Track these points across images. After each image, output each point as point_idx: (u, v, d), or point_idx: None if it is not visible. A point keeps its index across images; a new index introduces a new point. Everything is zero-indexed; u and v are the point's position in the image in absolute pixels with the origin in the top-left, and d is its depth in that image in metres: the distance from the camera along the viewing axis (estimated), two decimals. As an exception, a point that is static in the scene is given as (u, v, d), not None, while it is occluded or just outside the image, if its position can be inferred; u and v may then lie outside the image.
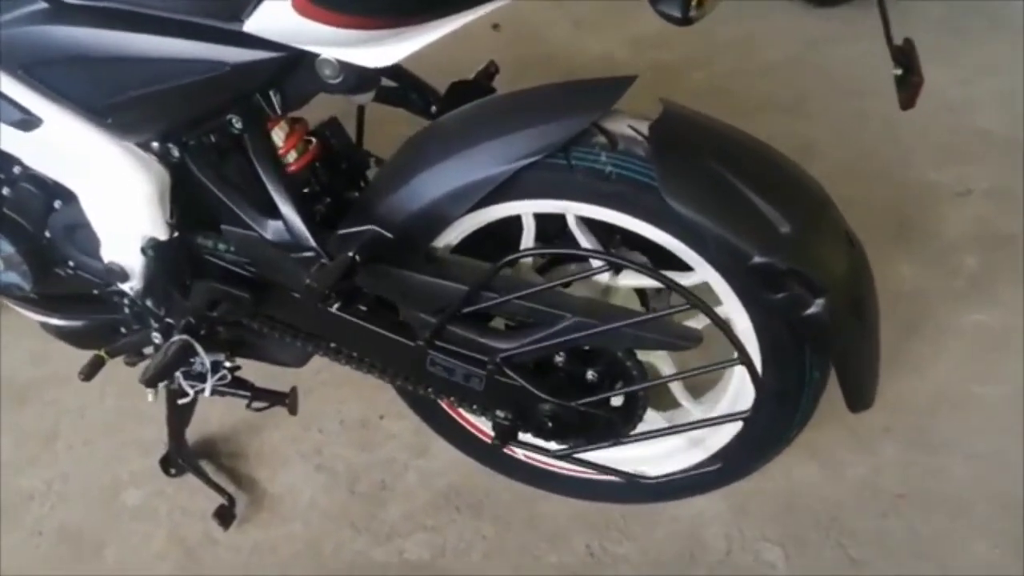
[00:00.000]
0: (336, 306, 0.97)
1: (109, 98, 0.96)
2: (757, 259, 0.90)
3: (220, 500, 1.34)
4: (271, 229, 1.01)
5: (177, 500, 1.40)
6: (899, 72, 0.83)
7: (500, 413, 1.10)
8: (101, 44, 0.92)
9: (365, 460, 1.45)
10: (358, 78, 0.92)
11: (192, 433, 1.42)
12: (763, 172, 0.94)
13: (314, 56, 0.90)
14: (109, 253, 1.12)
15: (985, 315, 1.68)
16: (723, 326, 0.93)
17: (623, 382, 1.06)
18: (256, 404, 1.22)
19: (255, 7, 0.85)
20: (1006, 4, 2.48)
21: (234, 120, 0.98)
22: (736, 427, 1.10)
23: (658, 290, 1.18)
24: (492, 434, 1.12)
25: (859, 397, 1.02)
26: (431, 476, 1.43)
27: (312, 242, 0.99)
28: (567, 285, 1.00)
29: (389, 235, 0.98)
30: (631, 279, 1.07)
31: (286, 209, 0.99)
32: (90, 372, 1.16)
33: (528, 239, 1.06)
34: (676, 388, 1.15)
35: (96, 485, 1.43)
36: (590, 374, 1.07)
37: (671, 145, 0.92)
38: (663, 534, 1.34)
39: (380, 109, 1.23)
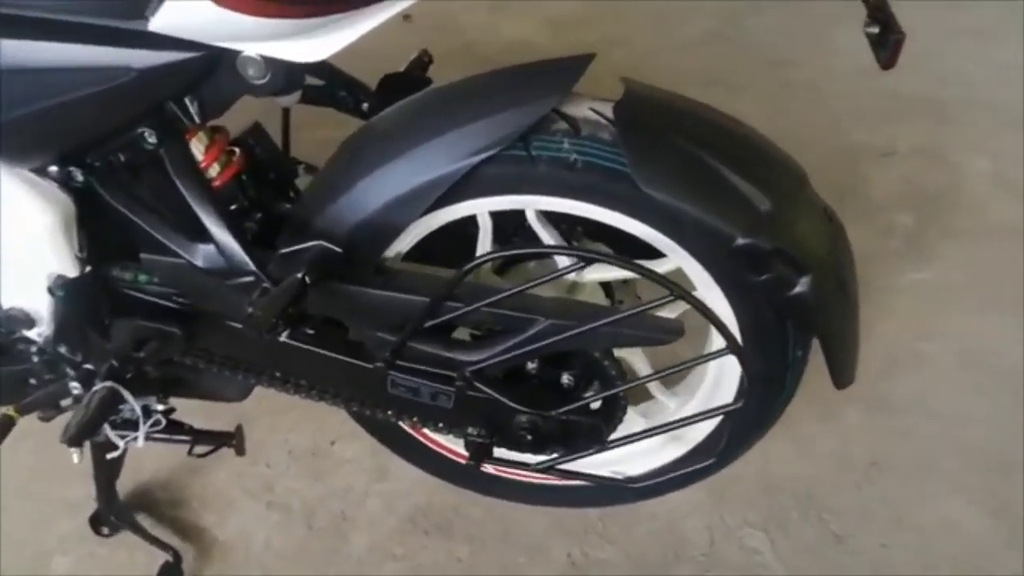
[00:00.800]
0: (284, 335, 0.86)
1: (-9, 120, 0.82)
2: (740, 241, 0.85)
3: (164, 556, 1.20)
4: (201, 254, 0.90)
5: (113, 562, 1.26)
6: (875, 30, 0.78)
7: (472, 430, 1.01)
8: (-24, 57, 0.79)
9: (320, 491, 1.34)
10: (286, 76, 0.82)
11: (124, 484, 1.28)
12: (736, 149, 0.89)
13: (235, 54, 0.79)
14: (9, 298, 0.98)
15: (923, 272, 1.71)
16: (710, 315, 0.87)
17: (601, 383, 0.99)
18: (198, 449, 1.10)
19: (161, 2, 0.73)
20: (912, -33, 2.54)
21: (147, 134, 0.85)
22: (715, 421, 1.05)
23: (624, 282, 1.12)
24: (464, 453, 1.04)
25: (844, 373, 0.98)
26: (394, 500, 1.33)
27: (251, 265, 0.88)
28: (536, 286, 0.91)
29: (339, 250, 0.88)
30: (598, 272, 1.00)
31: (217, 230, 0.88)
32: None
33: (485, 240, 0.98)
34: (653, 384, 1.10)
35: (19, 557, 1.27)
36: (566, 378, 1.00)
37: (639, 127, 0.86)
38: (643, 533, 1.29)
39: (304, 110, 1.13)
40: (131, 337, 0.98)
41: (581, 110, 0.89)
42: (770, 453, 1.37)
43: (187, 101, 0.85)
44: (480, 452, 1.01)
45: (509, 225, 1.00)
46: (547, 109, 0.85)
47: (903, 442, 1.40)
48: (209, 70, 0.80)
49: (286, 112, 1.10)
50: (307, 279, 0.84)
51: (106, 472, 1.21)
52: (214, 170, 0.95)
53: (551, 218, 0.97)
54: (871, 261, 1.69)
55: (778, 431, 1.35)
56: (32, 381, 1.11)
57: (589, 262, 0.88)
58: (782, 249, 0.86)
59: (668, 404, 1.13)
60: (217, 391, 1.13)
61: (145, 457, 1.34)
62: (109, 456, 1.06)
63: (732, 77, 2.18)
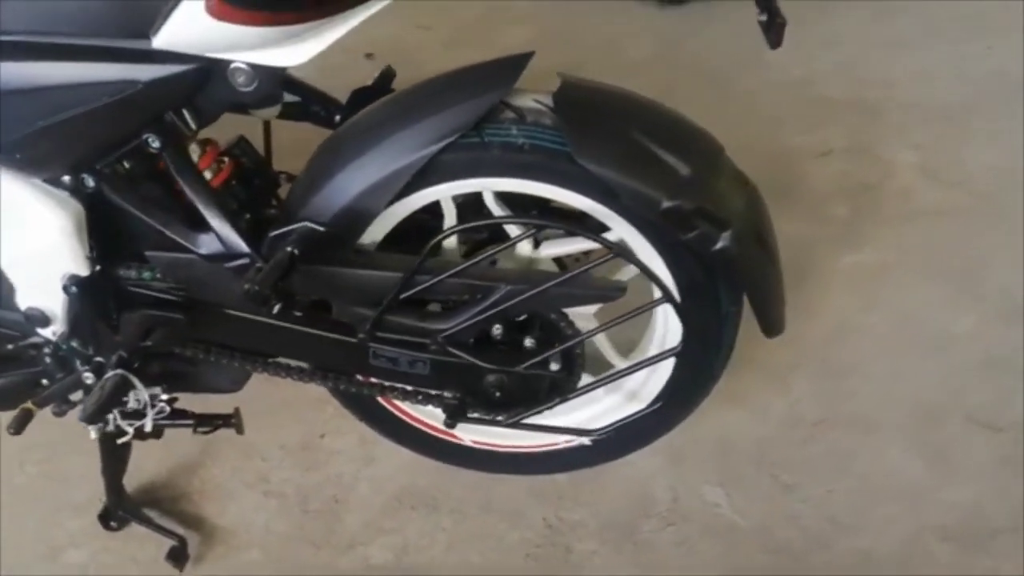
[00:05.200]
0: (277, 308, 0.98)
1: (15, 133, 0.95)
2: (666, 203, 0.99)
3: (170, 542, 1.30)
4: (202, 243, 1.02)
5: (125, 552, 1.35)
6: (764, 18, 0.93)
7: (448, 394, 1.13)
8: (-2, 78, 0.92)
9: (313, 479, 1.45)
10: (270, 85, 0.95)
11: (128, 484, 1.37)
12: (659, 126, 1.03)
13: (226, 65, 0.92)
14: (27, 299, 1.09)
15: (860, 255, 1.86)
16: (644, 268, 1.01)
17: (559, 342, 1.12)
18: (202, 428, 1.20)
19: (164, 21, 0.87)
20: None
21: (150, 139, 0.98)
22: (668, 372, 1.18)
23: (576, 258, 1.25)
24: (443, 417, 1.16)
25: (772, 322, 1.11)
26: (381, 483, 1.44)
27: (245, 247, 1.01)
28: (494, 258, 1.05)
29: (321, 228, 1.00)
30: (552, 248, 1.14)
31: (215, 220, 1.00)
32: (19, 426, 1.11)
33: (449, 222, 1.11)
34: (607, 350, 1.22)
35: (32, 556, 1.36)
36: (528, 341, 1.13)
37: (576, 111, 1.00)
38: (611, 496, 1.41)
39: (281, 129, 1.26)
40: (139, 327, 1.09)
41: (526, 101, 1.03)
42: (725, 420, 1.49)
43: (184, 111, 0.99)
44: (455, 412, 1.13)
45: (470, 216, 1.14)
46: (497, 100, 0.99)
47: (846, 402, 1.53)
48: (205, 80, 0.94)
49: (267, 125, 1.24)
50: (295, 252, 0.96)
51: (113, 467, 1.31)
52: (207, 175, 1.08)
53: (510, 205, 1.10)
54: (813, 247, 1.85)
55: (731, 402, 1.49)
56: (45, 381, 1.22)
57: (539, 228, 1.01)
58: (703, 208, 0.99)
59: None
60: (214, 382, 1.24)
61: (145, 459, 1.44)
62: (120, 441, 1.16)
63: (678, 92, 2.34)
